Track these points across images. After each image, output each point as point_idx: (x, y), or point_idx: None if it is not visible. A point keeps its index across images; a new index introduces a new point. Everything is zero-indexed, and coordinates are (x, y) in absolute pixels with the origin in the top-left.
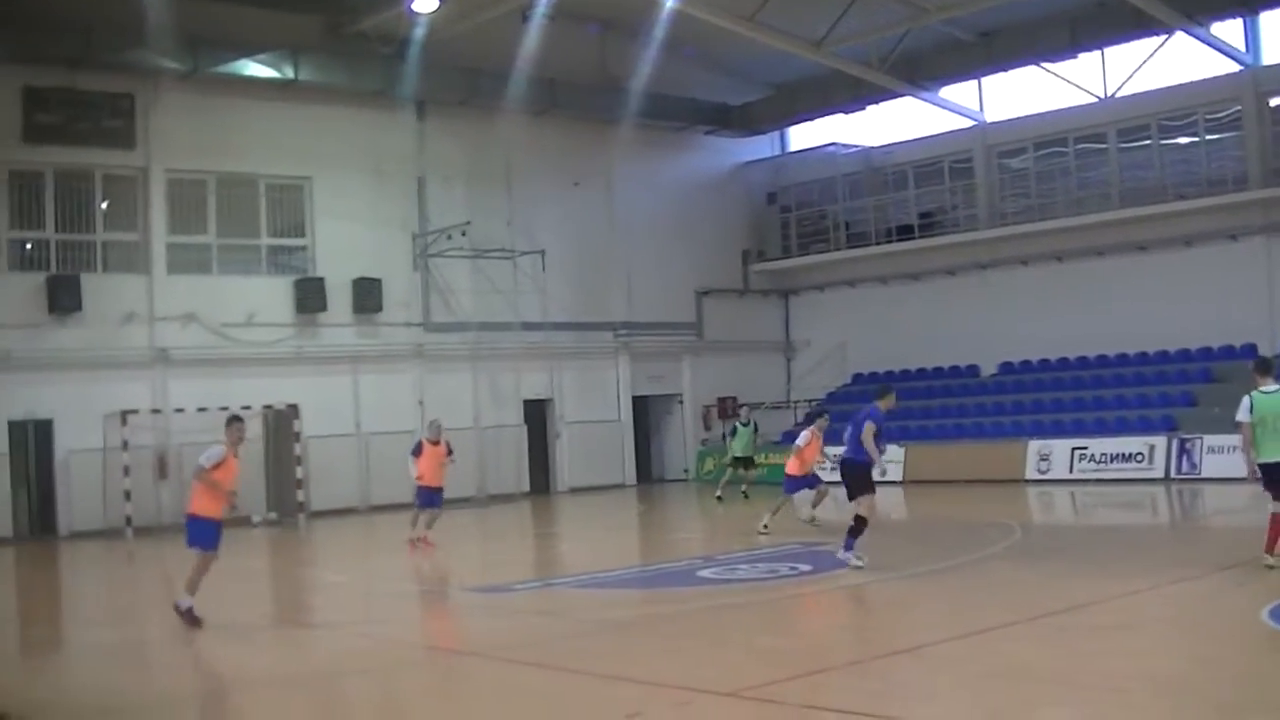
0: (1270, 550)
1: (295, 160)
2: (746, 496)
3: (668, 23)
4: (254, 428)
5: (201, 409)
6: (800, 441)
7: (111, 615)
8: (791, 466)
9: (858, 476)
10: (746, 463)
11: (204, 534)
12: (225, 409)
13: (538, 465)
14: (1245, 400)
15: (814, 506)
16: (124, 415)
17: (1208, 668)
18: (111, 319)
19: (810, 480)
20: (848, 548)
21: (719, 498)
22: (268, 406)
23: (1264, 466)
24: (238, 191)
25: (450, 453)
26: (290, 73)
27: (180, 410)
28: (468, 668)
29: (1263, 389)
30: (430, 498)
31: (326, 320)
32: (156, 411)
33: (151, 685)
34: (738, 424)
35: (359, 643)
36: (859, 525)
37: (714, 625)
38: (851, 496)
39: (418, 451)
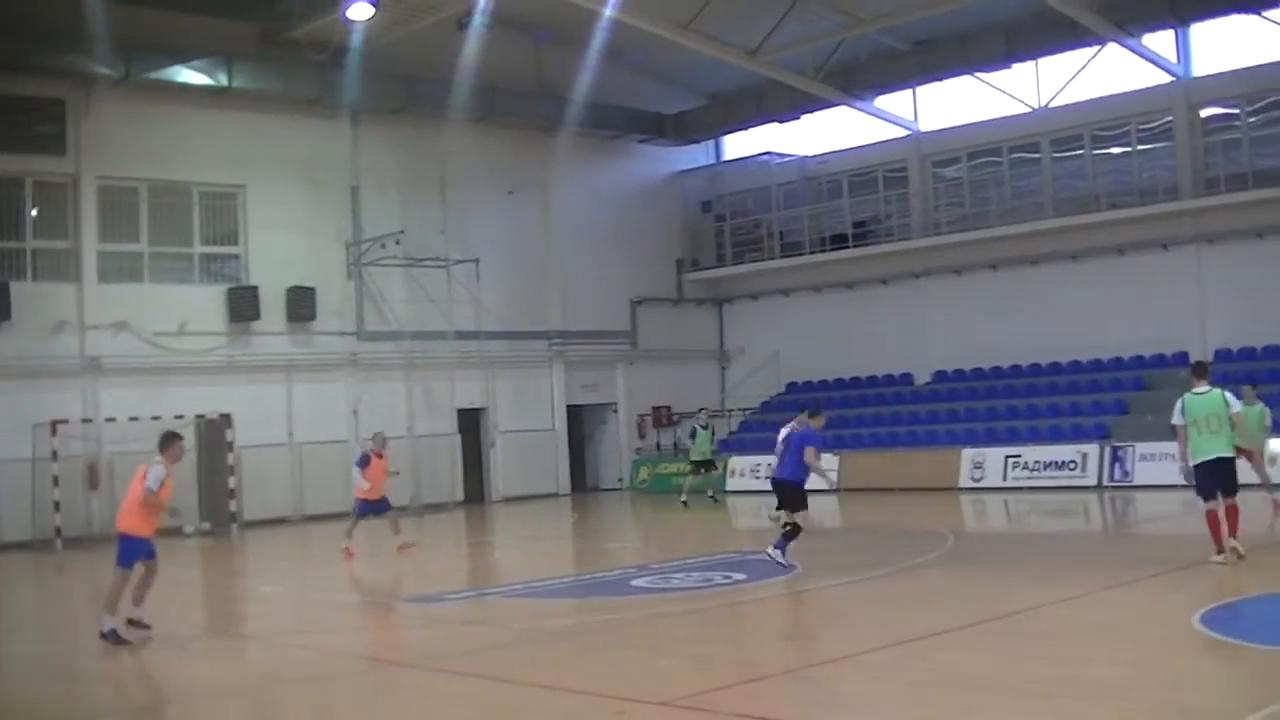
0: (1221, 549)
1: (229, 168)
2: (715, 500)
3: (604, 31)
4: (187, 437)
5: (133, 418)
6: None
7: (40, 627)
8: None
9: (792, 495)
10: (707, 466)
11: (131, 552)
12: (157, 418)
13: (472, 474)
14: (1178, 403)
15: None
16: (54, 425)
17: (1139, 673)
18: (41, 327)
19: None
20: (779, 548)
21: (684, 503)
22: (200, 416)
23: (1198, 466)
24: (170, 199)
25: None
26: (224, 80)
27: (112, 420)
28: (402, 678)
29: (1195, 390)
30: (375, 507)
31: (260, 329)
32: (87, 421)
33: (81, 698)
34: (696, 427)
35: (293, 653)
36: (794, 532)
37: (649, 634)
38: (784, 508)
39: (364, 463)
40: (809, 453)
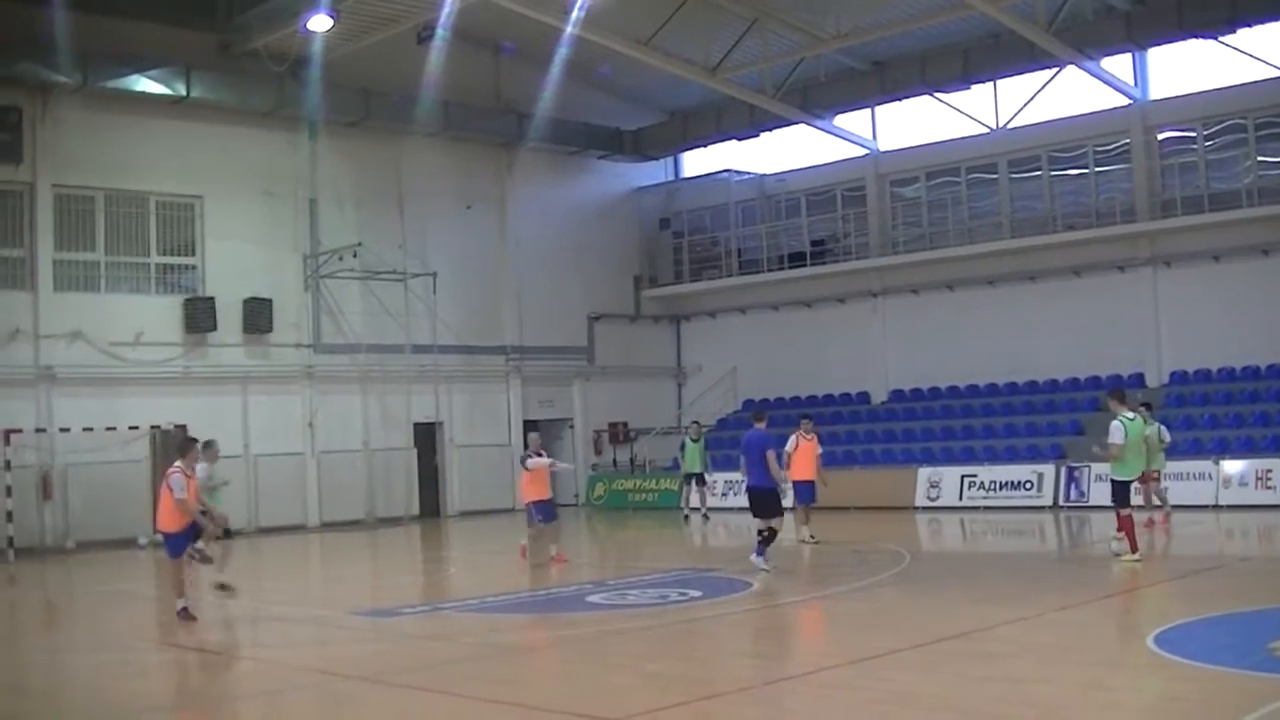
0: (1134, 547)
1: (186, 178)
2: (707, 518)
3: (565, 47)
4: (141, 448)
5: (88, 429)
6: (789, 448)
7: None
8: (793, 474)
9: (770, 501)
10: (699, 479)
11: (177, 546)
12: (112, 429)
13: (427, 488)
14: (1118, 425)
15: (804, 524)
16: (7, 434)
17: (1093, 693)
18: None
19: (807, 489)
20: (760, 554)
21: (686, 517)
22: (155, 427)
23: (1124, 481)
24: (127, 209)
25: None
26: (182, 90)
27: (66, 430)
28: (356, 692)
29: (1127, 415)
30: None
31: (216, 340)
32: (41, 431)
33: (22, 714)
34: (687, 439)
35: (246, 666)
36: (771, 536)
37: (603, 651)
38: (763, 516)
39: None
40: (770, 457)
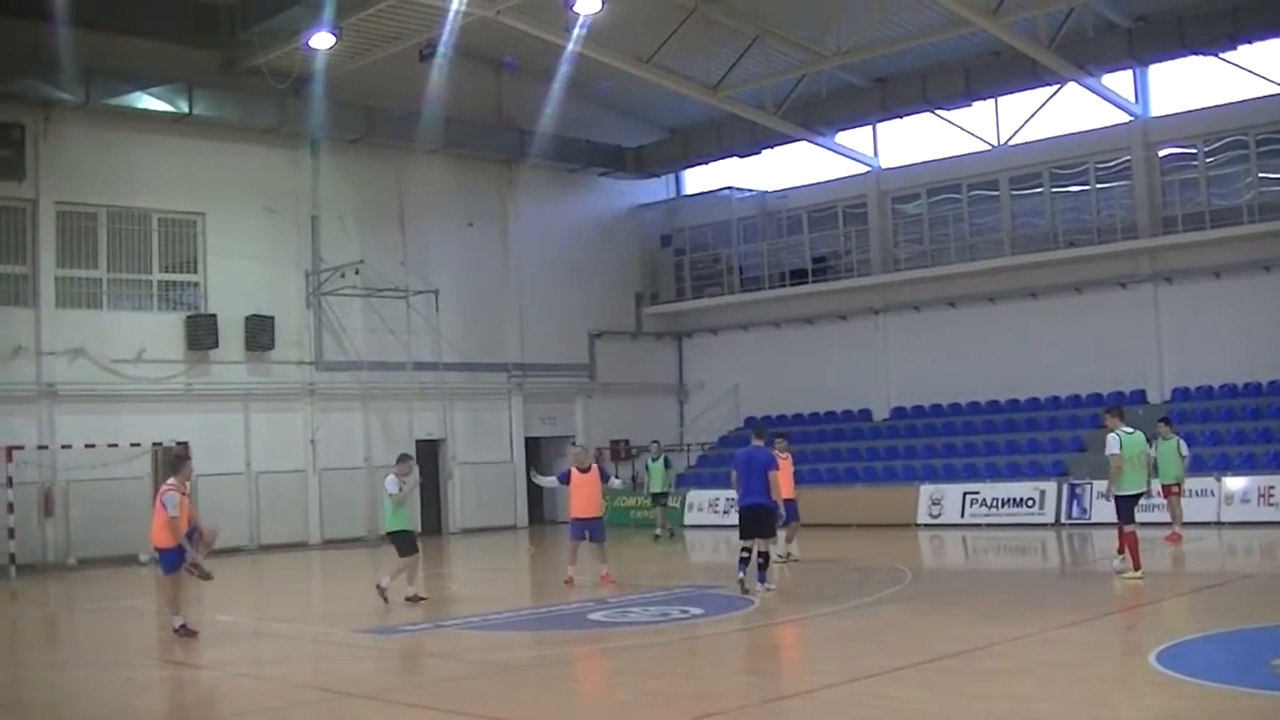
0: (1137, 564)
1: (188, 195)
2: (668, 537)
3: (566, 64)
4: (143, 465)
5: (89, 445)
6: None
7: None
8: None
9: (768, 520)
10: (663, 499)
11: (171, 562)
12: (114, 446)
13: (430, 505)
14: (1114, 437)
15: (788, 541)
16: (9, 451)
17: (1095, 711)
18: None
19: (789, 508)
20: (764, 580)
21: (656, 536)
22: (157, 444)
23: (1126, 497)
24: (129, 225)
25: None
26: (184, 107)
27: (67, 447)
28: (357, 710)
29: (1125, 430)
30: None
31: (218, 357)
32: (43, 448)
33: None
34: (649, 460)
35: (247, 684)
36: (767, 560)
37: (605, 668)
38: (759, 535)
39: (566, 479)
40: (773, 478)
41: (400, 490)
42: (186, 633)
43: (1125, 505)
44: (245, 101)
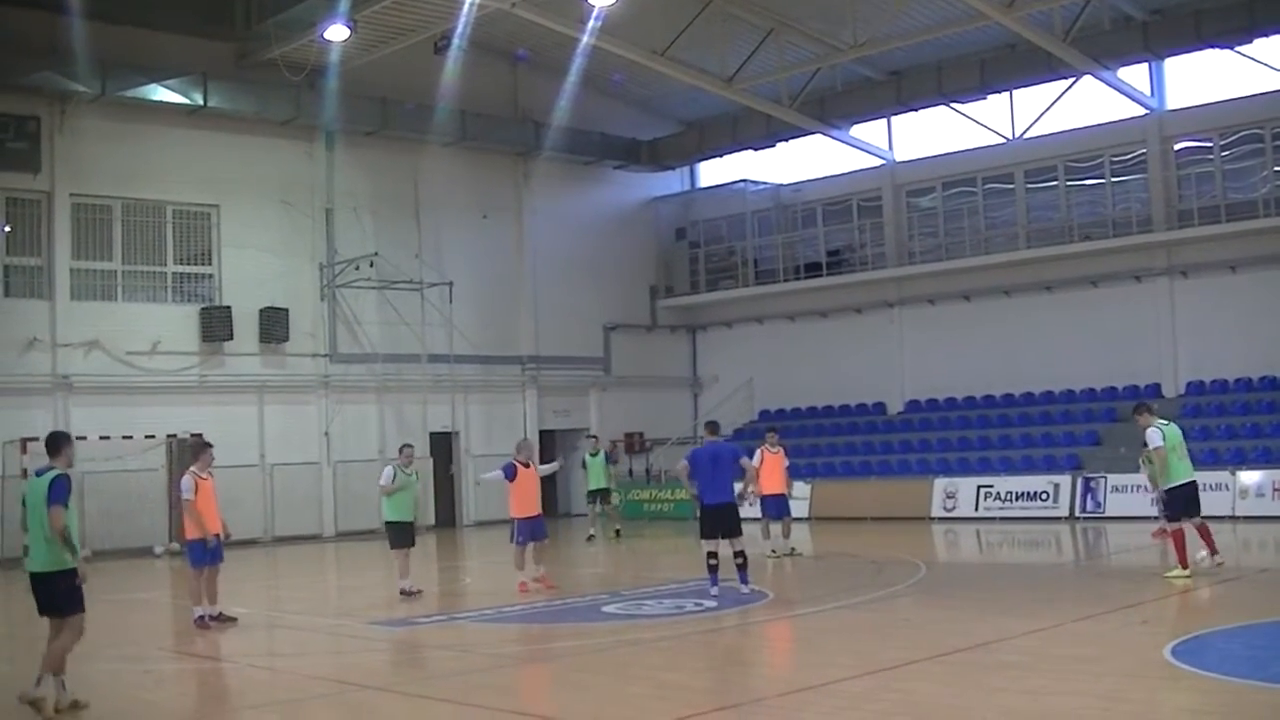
0: (1186, 565)
1: (203, 187)
2: (614, 536)
3: (581, 57)
4: (158, 457)
5: (104, 437)
6: (754, 462)
7: (3, 648)
8: (761, 488)
9: (732, 518)
10: (603, 495)
11: (195, 555)
12: (129, 438)
13: (443, 498)
14: (1155, 431)
15: (785, 536)
16: (24, 442)
17: (1111, 705)
18: (13, 345)
19: (778, 503)
20: (746, 580)
21: (590, 537)
22: (171, 435)
23: (1178, 487)
24: (144, 218)
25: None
26: (199, 99)
27: (82, 438)
28: (373, 702)
29: (1161, 421)
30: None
31: (232, 349)
32: None
33: None
34: (586, 455)
35: (263, 676)
36: (746, 559)
37: (619, 661)
38: (725, 535)
39: (512, 475)
40: (747, 464)
41: (393, 481)
42: (203, 625)
43: (1177, 498)
44: (260, 94)
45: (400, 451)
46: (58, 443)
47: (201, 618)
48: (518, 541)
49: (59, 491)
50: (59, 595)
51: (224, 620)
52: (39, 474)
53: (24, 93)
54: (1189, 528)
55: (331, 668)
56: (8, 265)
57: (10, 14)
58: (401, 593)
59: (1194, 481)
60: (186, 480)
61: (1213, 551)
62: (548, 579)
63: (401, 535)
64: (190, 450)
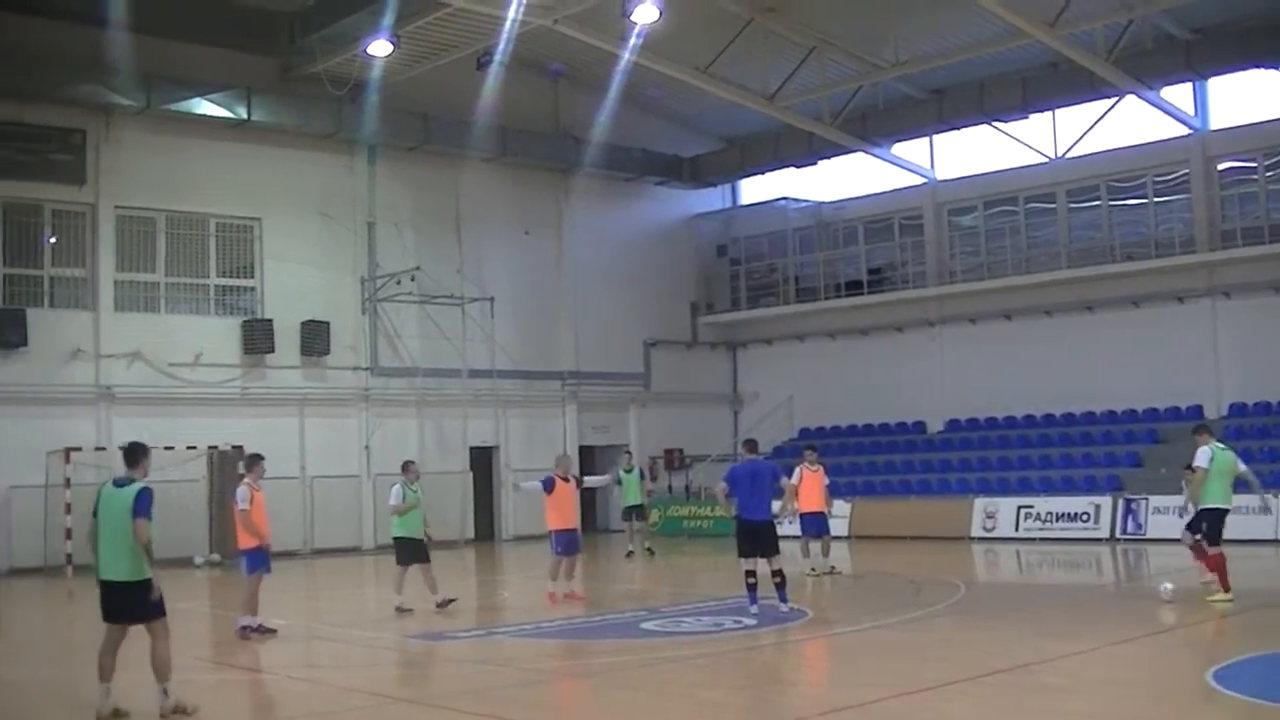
0: (1226, 586)
1: (245, 200)
2: (648, 554)
3: (622, 74)
4: (199, 468)
5: None
6: (793, 480)
7: (47, 653)
8: (800, 506)
9: (770, 536)
10: (638, 511)
11: (252, 563)
12: (170, 449)
13: (483, 512)
14: (1205, 450)
15: (825, 555)
16: (67, 452)
17: None
18: (57, 355)
19: (818, 521)
20: (784, 599)
21: (629, 554)
22: (213, 447)
23: (1211, 510)
24: (187, 230)
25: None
26: (243, 113)
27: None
28: (411, 715)
29: (1217, 445)
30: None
31: (274, 362)
32: (100, 449)
33: None
34: (621, 472)
35: (301, 687)
36: (784, 578)
37: (657, 678)
38: (764, 554)
39: (550, 487)
40: (786, 484)
41: (403, 500)
42: (255, 633)
43: (1213, 521)
44: (303, 108)
45: (405, 469)
46: (136, 454)
47: (245, 628)
48: (556, 551)
49: (144, 504)
50: (141, 604)
51: (264, 631)
52: (118, 485)
53: (69, 106)
54: (1188, 545)
55: (369, 680)
56: (52, 276)
57: (56, 28)
58: (397, 609)
59: (1227, 510)
60: (242, 490)
61: (1208, 570)
62: (575, 594)
63: (408, 551)
64: (244, 462)
